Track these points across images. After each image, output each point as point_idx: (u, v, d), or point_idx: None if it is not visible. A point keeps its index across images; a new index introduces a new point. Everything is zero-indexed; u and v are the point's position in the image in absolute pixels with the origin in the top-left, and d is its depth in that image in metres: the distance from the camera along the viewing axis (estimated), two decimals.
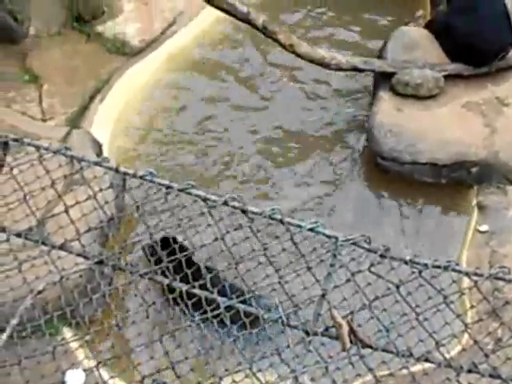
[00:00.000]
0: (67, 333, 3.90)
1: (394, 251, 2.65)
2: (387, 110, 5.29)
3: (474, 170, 5.08)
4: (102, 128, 5.48)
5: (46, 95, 5.67)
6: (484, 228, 4.93)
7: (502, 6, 5.45)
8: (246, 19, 5.33)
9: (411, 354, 2.57)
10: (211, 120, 5.65)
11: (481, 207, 5.04)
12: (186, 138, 5.53)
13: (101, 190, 2.75)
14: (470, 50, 5.35)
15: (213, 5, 5.37)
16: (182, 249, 2.80)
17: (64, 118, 5.53)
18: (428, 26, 5.74)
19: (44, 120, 5.52)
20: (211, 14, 5.96)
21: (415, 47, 5.55)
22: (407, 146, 5.10)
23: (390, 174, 5.17)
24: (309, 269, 2.62)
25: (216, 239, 2.64)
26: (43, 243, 2.77)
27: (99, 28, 6.11)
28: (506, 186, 5.05)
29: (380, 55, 5.63)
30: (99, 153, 5.18)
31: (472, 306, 2.78)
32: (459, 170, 5.10)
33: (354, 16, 6.35)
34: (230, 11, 5.34)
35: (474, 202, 5.08)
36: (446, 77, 5.34)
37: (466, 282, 3.45)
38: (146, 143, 5.49)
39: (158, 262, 2.67)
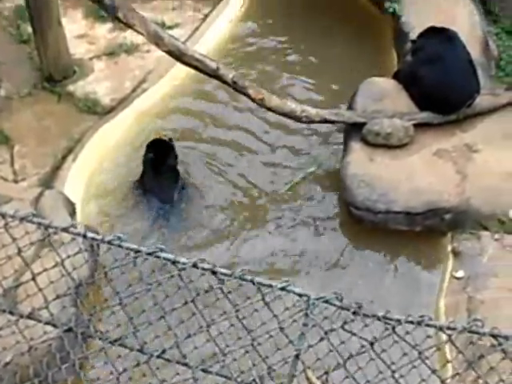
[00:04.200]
0: None
1: (370, 303, 2.63)
2: (359, 160, 5.33)
3: (447, 216, 5.11)
4: (74, 187, 5.47)
5: (18, 156, 5.68)
6: (460, 274, 4.93)
7: (466, 55, 5.56)
8: (215, 75, 5.38)
9: None
10: (184, 176, 5.65)
11: (456, 253, 5.05)
12: None
13: (68, 256, 2.72)
14: (438, 99, 5.43)
15: (182, 62, 5.42)
16: None
17: (36, 178, 5.52)
18: (396, 76, 5.83)
19: (16, 181, 5.51)
20: (181, 70, 6.02)
21: (384, 97, 5.63)
22: (380, 196, 5.12)
23: (364, 223, 5.18)
24: (281, 329, 2.59)
25: (186, 303, 2.61)
26: (10, 312, 2.72)
27: (70, 88, 6.15)
28: (478, 231, 5.07)
29: (350, 106, 5.69)
30: (72, 212, 5.15)
31: (447, 361, 2.75)
32: (433, 218, 5.12)
33: (322, 68, 6.45)
34: (199, 67, 5.39)
35: (449, 248, 5.09)
36: (415, 125, 5.41)
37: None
38: (118, 201, 5.46)
39: None
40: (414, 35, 5.88)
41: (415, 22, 6.17)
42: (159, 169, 5.47)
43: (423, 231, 5.15)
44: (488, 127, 5.52)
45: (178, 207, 5.38)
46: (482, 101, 5.52)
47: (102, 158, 5.74)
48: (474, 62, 5.56)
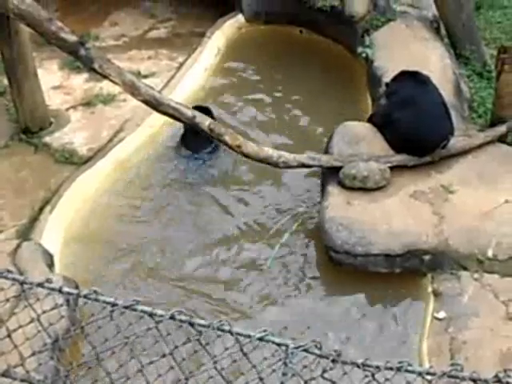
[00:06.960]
0: None
1: (350, 350, 2.61)
2: (337, 203, 5.34)
3: (426, 257, 5.11)
4: (52, 239, 5.42)
5: None
6: (441, 315, 4.92)
7: (439, 97, 5.63)
8: (191, 123, 5.42)
9: None
10: (162, 228, 5.63)
11: (436, 294, 5.04)
12: (137, 245, 5.48)
13: (44, 311, 2.69)
14: (413, 141, 5.49)
15: (158, 111, 5.46)
16: None
17: (14, 230, 5.47)
18: (371, 120, 5.89)
19: None
20: (158, 119, 6.05)
21: (360, 141, 5.68)
22: (359, 239, 5.11)
23: (344, 266, 5.16)
24: (261, 379, 2.56)
25: (164, 355, 2.58)
26: None
27: (47, 139, 6.15)
28: (458, 271, 5.07)
29: (326, 150, 5.74)
30: (50, 264, 5.11)
31: None
32: (412, 259, 5.12)
33: (298, 113, 6.51)
34: (175, 116, 5.42)
35: (430, 289, 5.08)
36: (391, 168, 5.45)
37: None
38: (97, 252, 5.42)
39: None
40: (386, 79, 5.96)
41: (388, 66, 6.28)
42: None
43: (403, 273, 5.14)
44: (463, 168, 5.58)
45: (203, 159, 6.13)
46: (457, 142, 5.59)
47: (79, 209, 5.71)
48: (447, 104, 5.64)
